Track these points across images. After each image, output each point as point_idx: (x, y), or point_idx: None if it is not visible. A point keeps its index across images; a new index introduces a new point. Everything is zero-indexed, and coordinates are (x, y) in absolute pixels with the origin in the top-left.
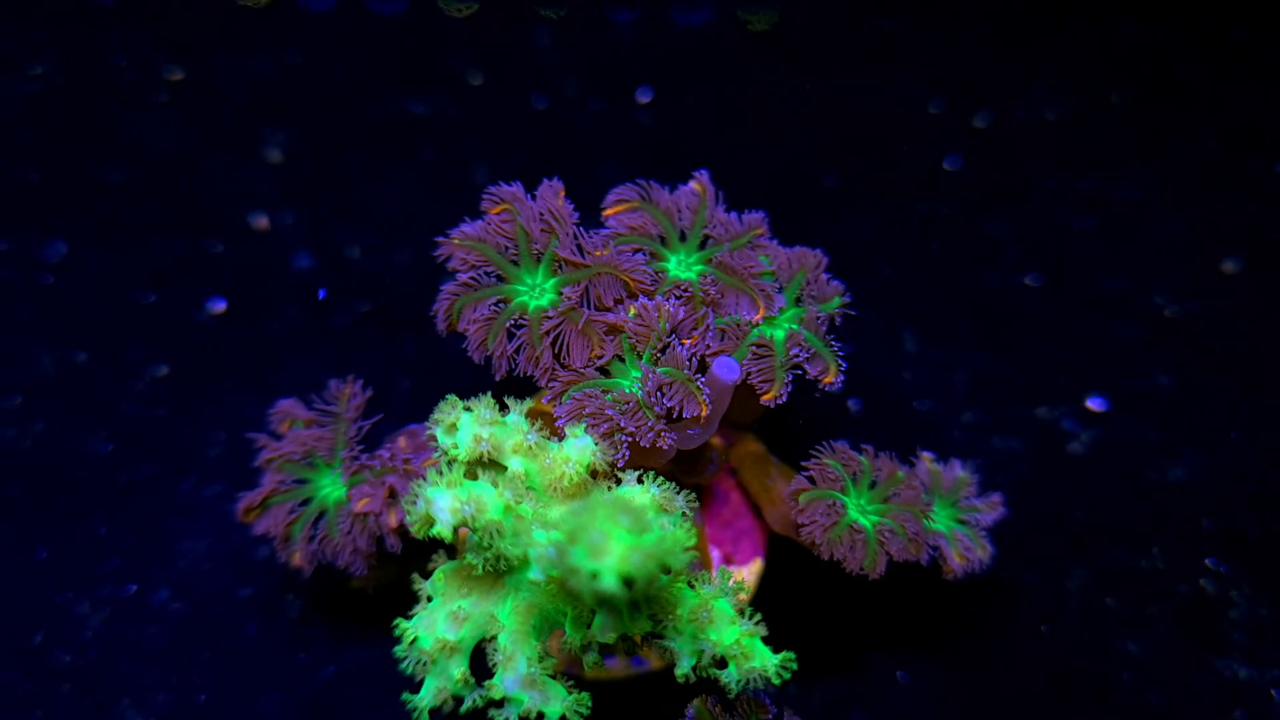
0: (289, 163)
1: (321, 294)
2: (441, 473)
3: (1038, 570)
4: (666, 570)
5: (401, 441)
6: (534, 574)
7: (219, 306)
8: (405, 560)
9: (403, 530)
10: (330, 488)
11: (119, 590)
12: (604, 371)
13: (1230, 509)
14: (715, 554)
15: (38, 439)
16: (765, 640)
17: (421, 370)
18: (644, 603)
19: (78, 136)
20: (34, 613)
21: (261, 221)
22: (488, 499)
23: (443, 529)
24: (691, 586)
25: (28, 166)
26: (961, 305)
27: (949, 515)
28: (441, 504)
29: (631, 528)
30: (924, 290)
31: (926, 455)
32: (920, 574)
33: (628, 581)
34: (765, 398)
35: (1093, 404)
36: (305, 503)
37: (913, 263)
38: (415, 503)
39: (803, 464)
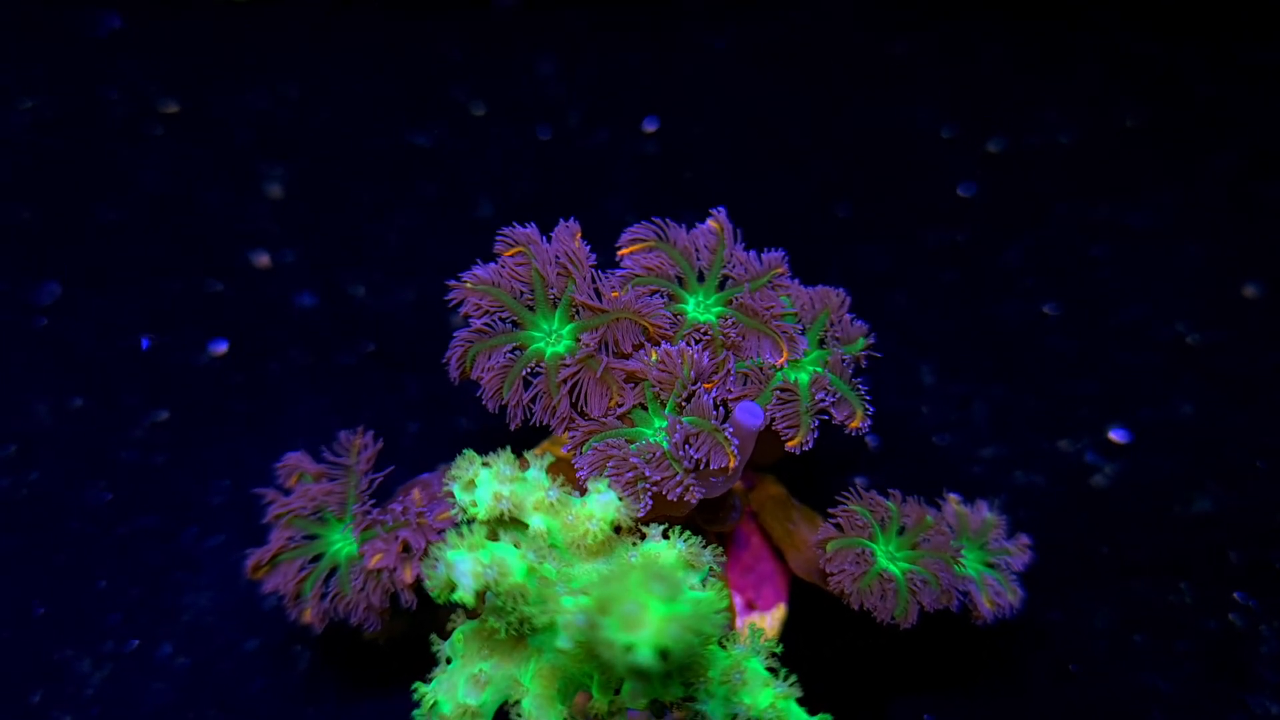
0: (290, 198)
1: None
2: (461, 534)
3: (1063, 608)
4: (702, 640)
5: (415, 494)
6: (562, 643)
7: (220, 348)
8: (418, 612)
9: (418, 586)
10: (342, 543)
11: (121, 646)
12: (625, 420)
13: (1258, 541)
14: (738, 600)
15: (34, 489)
16: (800, 702)
17: (429, 412)
18: (677, 671)
19: (70, 171)
20: (32, 671)
21: (263, 259)
22: (511, 562)
23: (465, 594)
24: (723, 646)
25: (18, 203)
26: (979, 336)
27: (977, 559)
28: (464, 568)
29: (665, 596)
30: (940, 321)
31: (953, 497)
32: (947, 616)
33: (663, 654)
34: (790, 444)
35: (1115, 435)
36: (316, 559)
37: (928, 293)
38: (436, 567)
39: (829, 510)
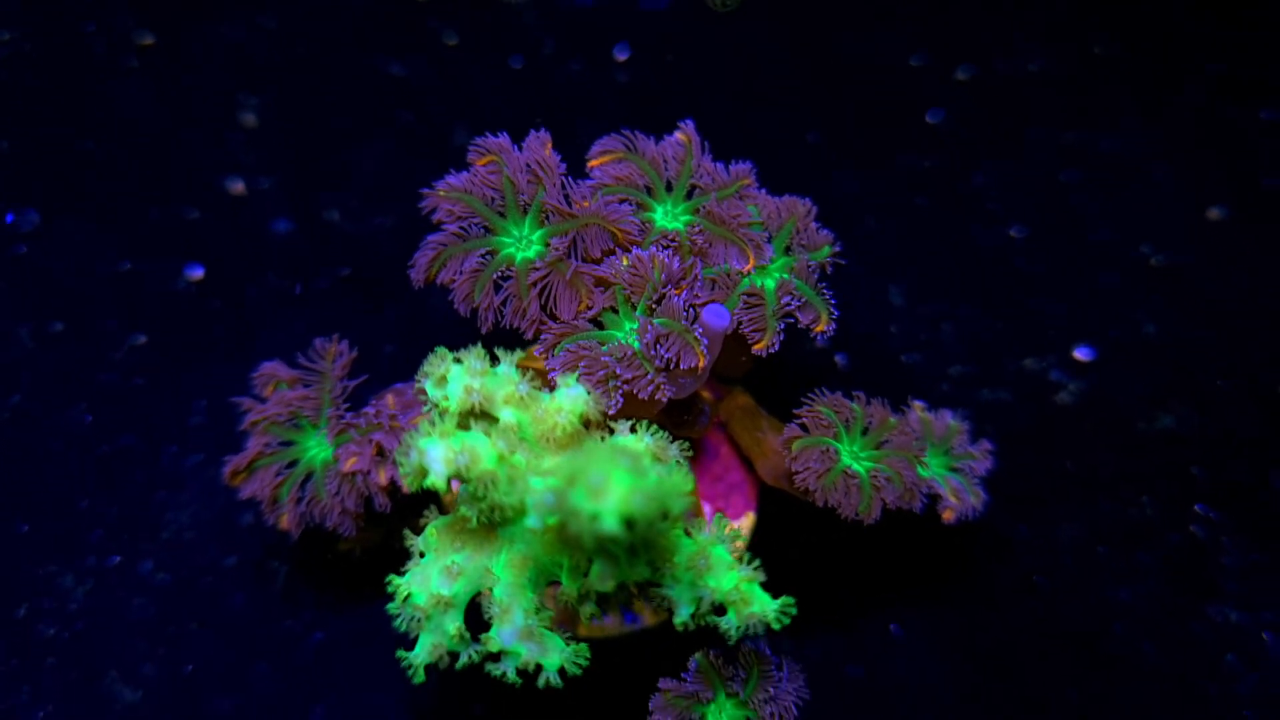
0: (264, 127)
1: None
2: (433, 423)
3: (1029, 522)
4: (666, 515)
5: (389, 399)
6: (531, 522)
7: (197, 273)
8: (392, 522)
9: (392, 489)
10: (317, 449)
11: (103, 562)
12: (596, 323)
13: (1219, 456)
14: (707, 509)
15: (15, 411)
16: (763, 586)
17: (404, 334)
18: (642, 548)
19: (47, 103)
20: (17, 586)
21: (238, 187)
22: (481, 449)
23: (436, 480)
24: (688, 534)
25: None
26: (948, 259)
27: (942, 463)
28: (435, 455)
29: (631, 469)
30: (910, 245)
31: (918, 404)
32: (912, 526)
33: (629, 523)
34: (757, 347)
35: (1081, 354)
36: (292, 464)
37: (898, 218)
38: (408, 454)
39: (795, 411)
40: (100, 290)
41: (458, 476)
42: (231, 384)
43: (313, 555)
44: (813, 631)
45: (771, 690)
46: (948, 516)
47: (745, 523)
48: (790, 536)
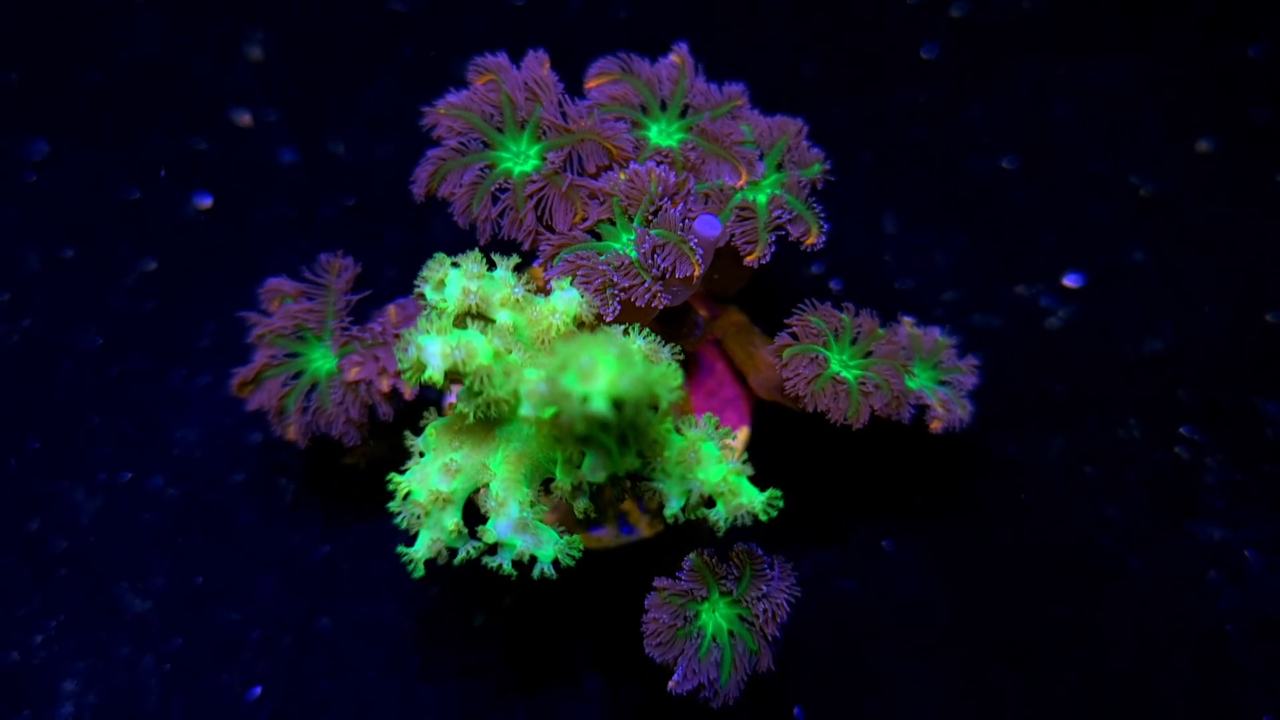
0: (271, 60)
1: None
2: (431, 321)
3: (1018, 442)
4: (655, 405)
5: (391, 312)
6: (525, 410)
7: (205, 202)
8: (395, 437)
9: (394, 396)
10: (321, 360)
11: (114, 478)
12: (593, 235)
13: (1205, 379)
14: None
15: (26, 334)
16: (752, 480)
17: (407, 260)
18: (632, 436)
19: (55, 37)
20: (30, 500)
21: (245, 118)
22: (478, 345)
23: (434, 374)
24: (679, 431)
25: (4, 67)
26: (940, 189)
27: (930, 376)
28: (433, 350)
29: (619, 355)
30: (904, 175)
31: (907, 320)
32: (904, 443)
33: (618, 404)
34: (749, 258)
35: (1070, 281)
36: (297, 376)
37: (892, 149)
38: (407, 350)
39: (786, 321)
40: (110, 217)
41: (454, 371)
42: (239, 308)
43: (319, 472)
44: (805, 546)
45: (764, 588)
46: (935, 426)
47: (739, 436)
48: (783, 452)
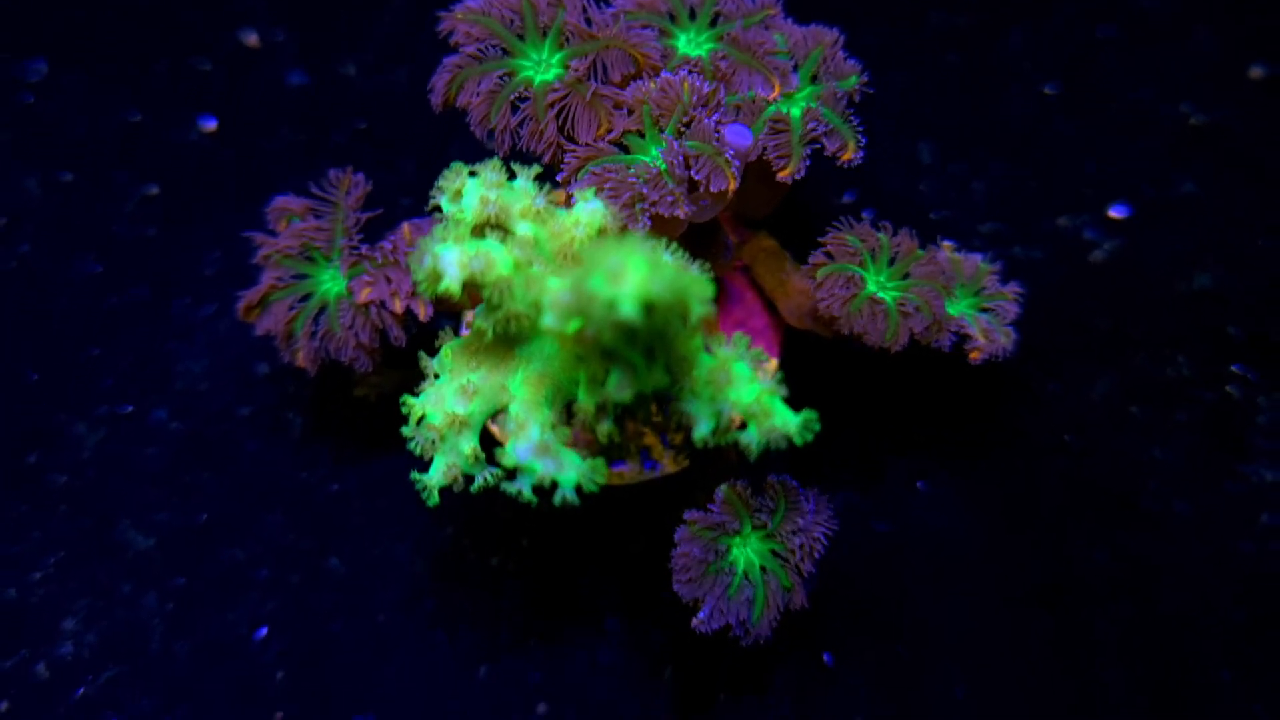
0: None
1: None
2: (448, 229)
3: (1061, 379)
4: (685, 315)
5: (405, 229)
6: (548, 321)
7: (209, 125)
8: (408, 366)
9: (408, 319)
10: (330, 282)
11: (115, 411)
12: (620, 146)
13: (1256, 316)
14: None
15: (24, 261)
16: (786, 402)
17: (421, 188)
18: (660, 350)
19: None
20: (28, 434)
21: (251, 39)
22: (497, 255)
23: (451, 284)
24: (709, 351)
25: None
26: (979, 117)
27: (971, 303)
28: (450, 258)
29: (649, 257)
30: (941, 103)
31: (947, 244)
32: (940, 378)
33: (647, 308)
34: (783, 173)
35: (1115, 212)
36: (306, 298)
37: (929, 75)
38: (423, 259)
39: (820, 240)
40: (110, 140)
41: (472, 282)
42: (244, 234)
43: (328, 405)
44: (837, 486)
45: (800, 522)
46: (975, 356)
47: (768, 368)
48: (814, 387)
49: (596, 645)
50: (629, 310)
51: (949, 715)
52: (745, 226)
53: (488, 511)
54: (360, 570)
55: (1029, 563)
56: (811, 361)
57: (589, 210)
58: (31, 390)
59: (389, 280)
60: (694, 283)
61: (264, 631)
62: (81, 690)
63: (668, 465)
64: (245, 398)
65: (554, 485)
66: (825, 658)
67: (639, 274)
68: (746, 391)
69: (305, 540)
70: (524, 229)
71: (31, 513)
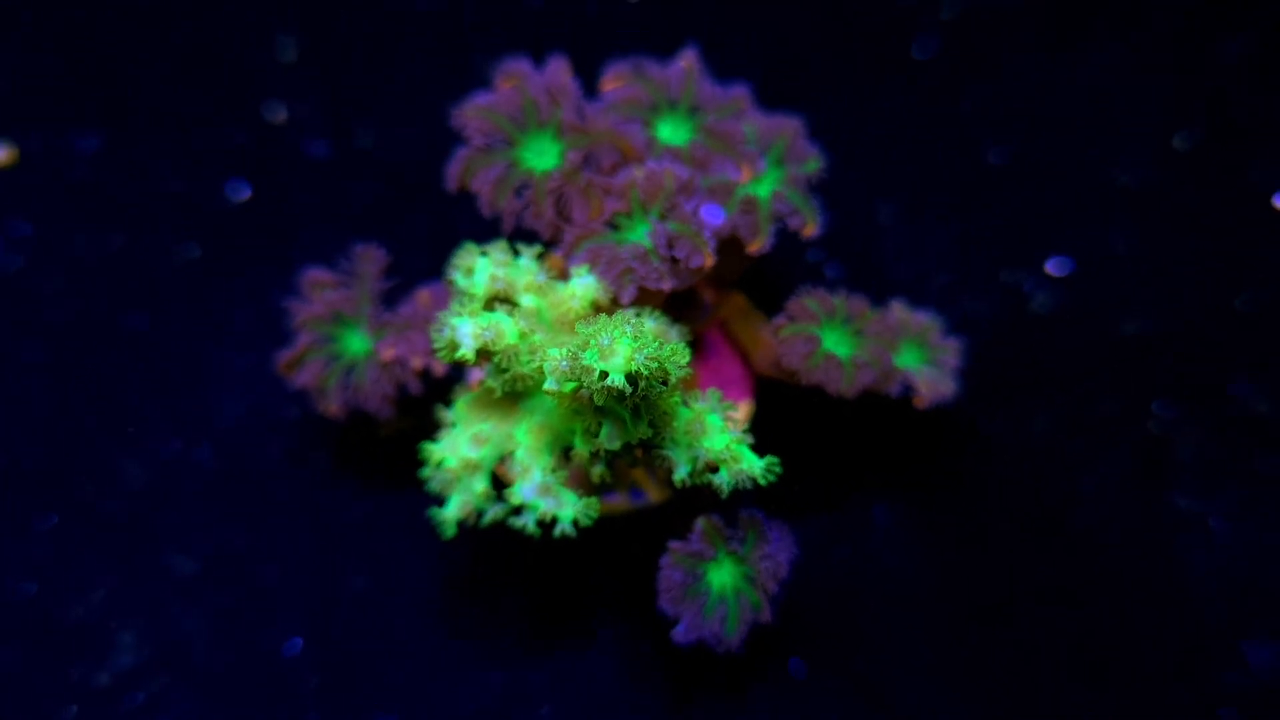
0: (302, 62)
1: None
2: (462, 304)
3: (1004, 417)
4: (665, 380)
5: (423, 297)
6: (549, 385)
7: (244, 193)
8: (421, 412)
9: (424, 374)
10: (357, 342)
11: (162, 449)
12: (610, 226)
13: (1179, 359)
14: None
15: (79, 314)
16: (752, 448)
17: (432, 246)
18: (644, 408)
19: (101, 34)
20: (84, 471)
21: (280, 115)
22: (505, 326)
23: (466, 352)
24: (686, 405)
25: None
26: (931, 181)
27: (917, 356)
28: (465, 330)
29: (635, 335)
30: (897, 168)
31: (897, 304)
32: (894, 419)
33: (633, 378)
34: (752, 248)
35: (1051, 267)
36: (336, 357)
37: (887, 142)
38: (442, 331)
39: (784, 305)
40: (156, 207)
41: (484, 350)
42: (277, 291)
43: (352, 446)
44: (801, 514)
45: (767, 549)
46: (919, 402)
47: (743, 411)
48: (782, 427)
49: (594, 653)
50: (616, 380)
51: (904, 707)
52: (719, 288)
53: (496, 538)
54: (382, 587)
55: (976, 582)
56: (780, 405)
57: (584, 285)
58: (88, 433)
59: (409, 341)
60: (673, 351)
61: (299, 643)
62: (140, 696)
63: (653, 496)
64: (278, 437)
65: (554, 520)
66: (794, 664)
67: (626, 350)
68: (718, 440)
69: (333, 562)
70: (528, 301)
71: (89, 540)
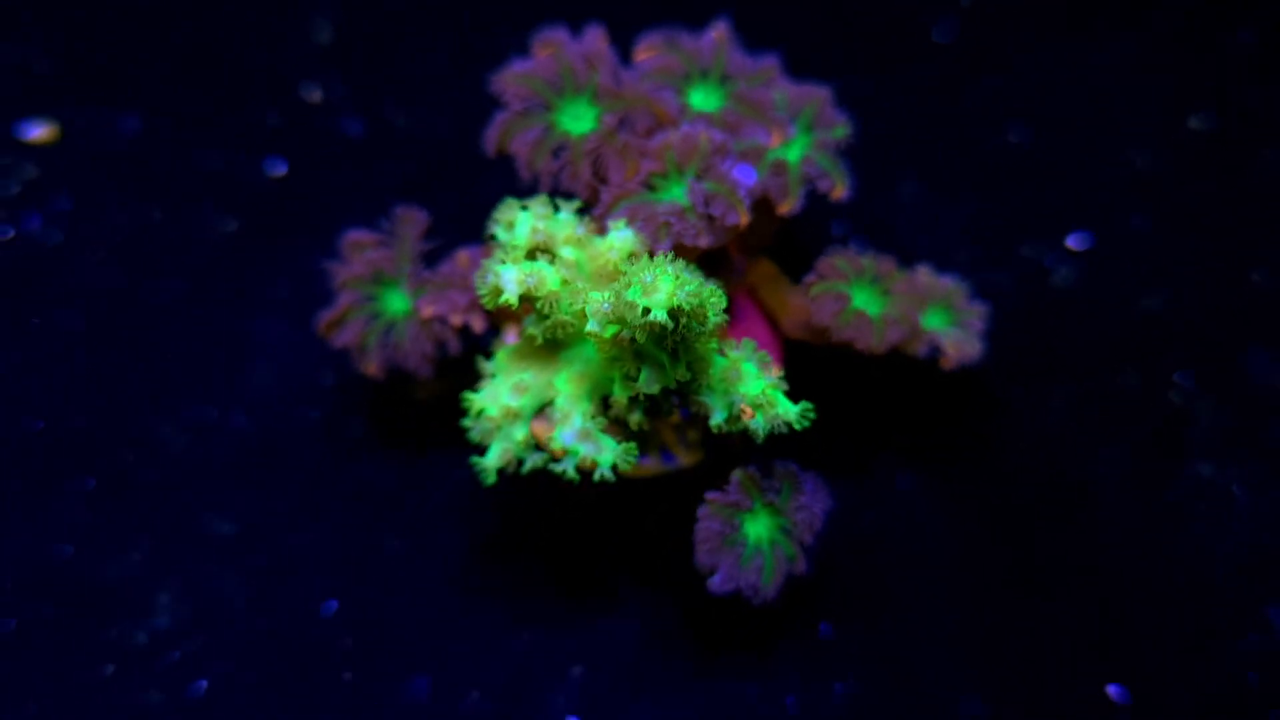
0: (338, 42)
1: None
2: (506, 253)
3: (1024, 389)
4: (704, 319)
5: (462, 256)
6: (591, 326)
7: (280, 170)
8: (458, 375)
9: (463, 332)
10: (398, 301)
11: (199, 415)
12: (648, 188)
13: (1196, 332)
14: None
15: (117, 285)
16: (786, 394)
17: (464, 220)
18: (683, 351)
19: (139, 21)
20: (122, 438)
21: (315, 95)
22: (547, 274)
23: (510, 297)
24: (723, 354)
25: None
26: (953, 158)
27: (943, 318)
28: (509, 276)
29: (676, 273)
30: (920, 145)
31: (923, 268)
32: (919, 390)
33: (674, 315)
34: (783, 209)
35: (1072, 242)
36: (376, 316)
37: (910, 121)
38: (486, 278)
39: (814, 264)
40: (194, 183)
41: (527, 295)
42: (312, 263)
43: (385, 412)
44: (830, 481)
45: (802, 500)
46: (946, 364)
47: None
48: (809, 394)
49: (622, 616)
50: (659, 315)
51: (928, 671)
52: (749, 255)
53: (526, 503)
54: (415, 551)
55: (997, 549)
56: (807, 373)
57: (622, 237)
58: (128, 399)
59: (448, 299)
60: (712, 294)
61: (334, 604)
62: (177, 654)
63: (684, 459)
64: (313, 404)
65: (594, 464)
66: (822, 628)
67: (668, 286)
68: (754, 385)
69: (367, 525)
70: (567, 253)
71: (127, 503)
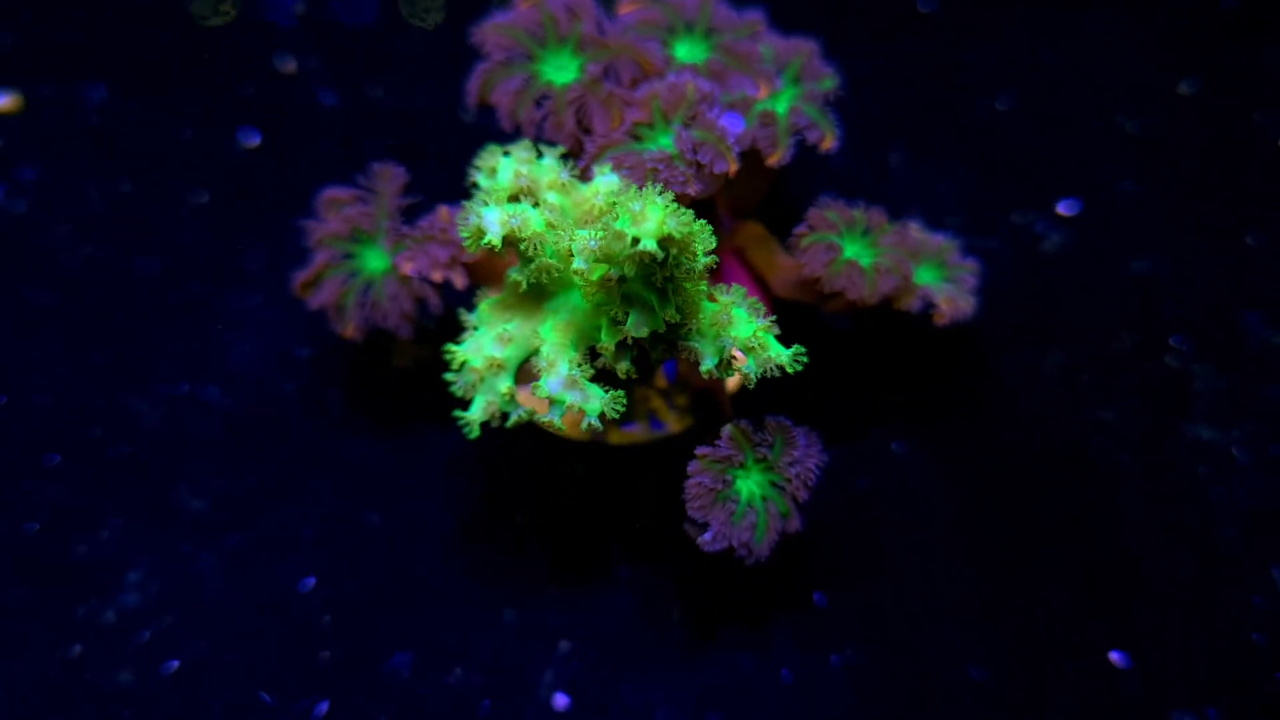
0: (310, 14)
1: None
2: (487, 198)
3: (1016, 354)
4: (693, 254)
5: (442, 211)
6: (578, 264)
7: (254, 141)
8: (439, 340)
9: (444, 287)
10: (376, 259)
11: (173, 390)
12: (634, 138)
13: (1189, 295)
14: None
15: (89, 260)
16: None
17: (447, 194)
18: (672, 292)
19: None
20: (93, 411)
21: (289, 66)
22: (531, 215)
23: (493, 238)
24: (713, 300)
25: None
26: (942, 125)
27: (937, 274)
28: (492, 217)
29: (665, 204)
30: (908, 113)
31: (914, 224)
32: (909, 354)
33: (664, 243)
34: (771, 159)
35: (1063, 209)
36: (354, 274)
37: (898, 90)
38: (468, 219)
39: (804, 215)
40: (164, 154)
41: (511, 237)
42: (287, 235)
43: (363, 384)
44: (823, 446)
45: (795, 454)
46: (939, 319)
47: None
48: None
49: (610, 590)
50: (649, 245)
51: (926, 639)
52: (737, 216)
53: (512, 474)
54: (397, 526)
55: (994, 515)
56: (796, 334)
57: (607, 182)
58: (97, 373)
59: (428, 254)
60: (701, 229)
61: (311, 581)
62: (147, 634)
63: (672, 426)
64: (289, 376)
65: (581, 412)
66: (816, 597)
67: (658, 214)
68: (745, 329)
69: (346, 500)
70: (551, 198)
71: (97, 479)
